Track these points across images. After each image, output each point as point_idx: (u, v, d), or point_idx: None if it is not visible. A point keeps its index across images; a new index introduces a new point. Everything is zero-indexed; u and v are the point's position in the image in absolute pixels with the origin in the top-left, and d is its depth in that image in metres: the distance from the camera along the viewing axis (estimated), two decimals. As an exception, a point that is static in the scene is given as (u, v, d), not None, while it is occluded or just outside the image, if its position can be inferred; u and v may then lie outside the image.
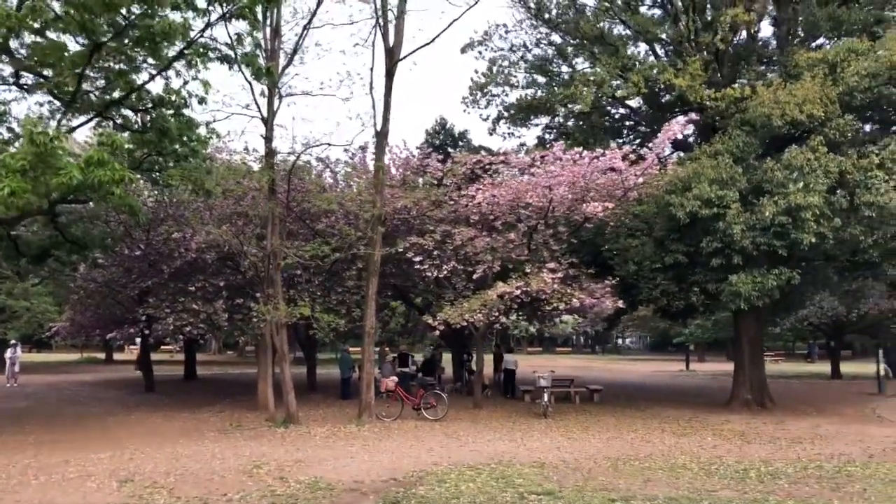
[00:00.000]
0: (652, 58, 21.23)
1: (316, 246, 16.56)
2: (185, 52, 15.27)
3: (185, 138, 19.73)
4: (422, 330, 39.06)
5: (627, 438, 15.87)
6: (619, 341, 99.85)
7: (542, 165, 17.15)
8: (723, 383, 33.52)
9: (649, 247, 17.89)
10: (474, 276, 18.69)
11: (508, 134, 24.79)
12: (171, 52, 16.04)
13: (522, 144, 21.89)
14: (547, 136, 24.28)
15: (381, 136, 18.94)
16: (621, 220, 18.66)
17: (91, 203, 22.79)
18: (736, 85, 19.85)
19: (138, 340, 39.27)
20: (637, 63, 19.69)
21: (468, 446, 14.55)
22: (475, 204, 18.36)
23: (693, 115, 17.19)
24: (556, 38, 23.05)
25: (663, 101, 21.90)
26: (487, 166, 19.59)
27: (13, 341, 33.01)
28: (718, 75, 20.12)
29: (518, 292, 16.79)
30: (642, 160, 17.39)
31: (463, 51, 23.89)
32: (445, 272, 18.94)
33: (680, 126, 17.17)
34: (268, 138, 18.10)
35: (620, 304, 18.04)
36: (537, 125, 24.91)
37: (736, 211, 16.65)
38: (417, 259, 19.15)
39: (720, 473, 11.74)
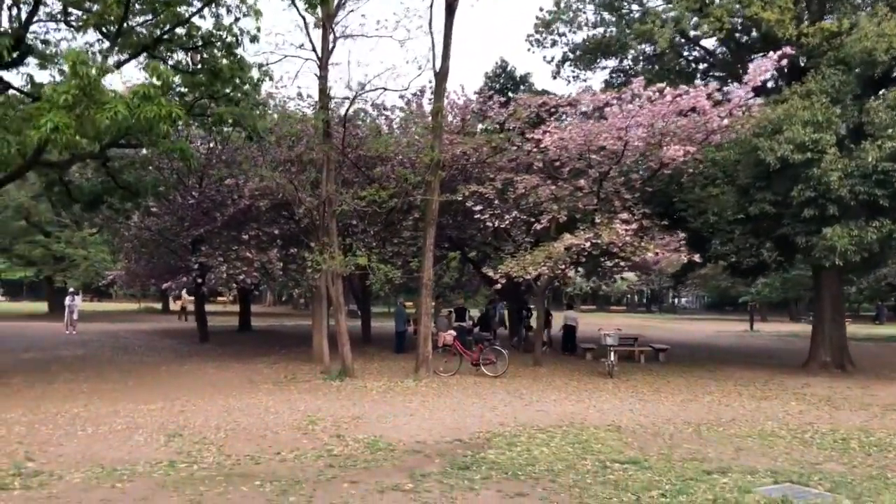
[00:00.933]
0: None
1: (373, 192, 15.64)
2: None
3: (237, 80, 19.01)
4: (476, 284, 38.20)
5: (704, 401, 14.78)
6: (675, 300, 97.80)
7: (619, 104, 15.77)
8: (791, 344, 32.08)
9: (731, 196, 16.49)
10: (537, 227, 17.59)
11: (573, 77, 23.34)
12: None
13: (588, 88, 20.42)
14: (614, 80, 22.73)
15: (440, 77, 17.85)
16: (699, 168, 17.25)
17: (143, 149, 22.44)
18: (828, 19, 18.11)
19: (184, 292, 39.51)
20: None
21: (534, 406, 13.64)
22: (541, 149, 17.13)
23: (788, 50, 15.59)
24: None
25: (743, 41, 20.24)
26: (553, 109, 18.30)
27: (71, 290, 33.17)
28: (806, 11, 18.39)
29: (587, 244, 15.67)
30: (726, 101, 15.89)
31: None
32: (507, 222, 17.88)
33: (773, 62, 15.58)
34: (322, 77, 17.14)
35: (697, 258, 16.75)
36: (604, 68, 23.42)
37: (833, 156, 15.14)
38: (477, 208, 18.12)
39: (817, 443, 10.61)
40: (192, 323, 37.91)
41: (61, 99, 11.51)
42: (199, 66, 18.86)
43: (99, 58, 14.85)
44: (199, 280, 21.32)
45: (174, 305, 47.83)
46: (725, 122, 15.38)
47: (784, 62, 15.87)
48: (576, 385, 16.76)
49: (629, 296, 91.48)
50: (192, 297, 39.98)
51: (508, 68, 23.96)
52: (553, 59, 23.05)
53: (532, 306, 30.10)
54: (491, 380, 17.23)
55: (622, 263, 22.81)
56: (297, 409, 12.56)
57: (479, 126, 21.18)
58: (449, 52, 17.96)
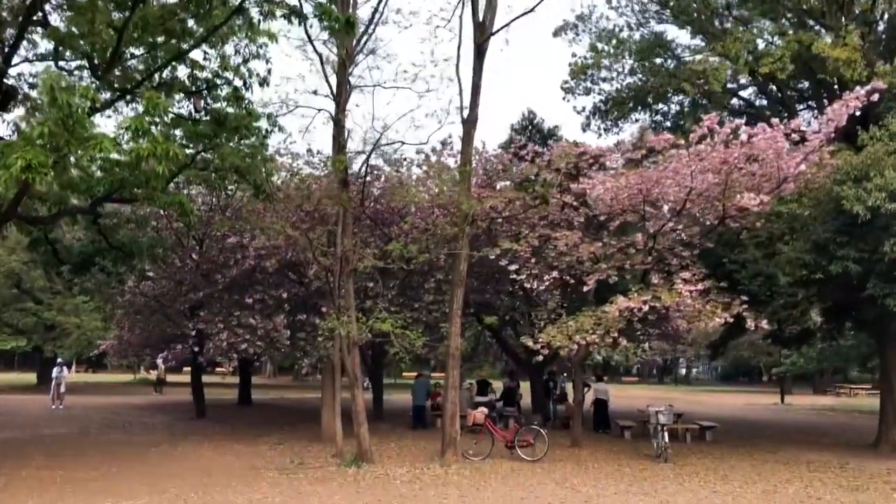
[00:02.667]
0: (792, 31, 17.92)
1: (400, 245, 13.65)
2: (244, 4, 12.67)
3: (244, 130, 17.38)
4: (492, 354, 36.02)
5: (788, 493, 12.53)
6: (689, 371, 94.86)
7: (685, 146, 13.80)
8: (834, 419, 29.71)
9: (799, 253, 14.48)
10: (584, 289, 15.58)
11: (604, 130, 21.72)
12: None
13: (620, 142, 18.69)
14: (655, 125, 21.04)
15: (469, 125, 16.13)
16: (760, 221, 15.27)
17: (137, 204, 20.62)
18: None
19: (159, 361, 37.38)
20: (773, 36, 16.41)
21: (594, 501, 11.41)
22: (583, 202, 15.16)
23: (879, 84, 13.79)
24: (666, 18, 19.97)
25: (795, 86, 18.66)
26: (593, 160, 16.47)
27: (59, 360, 30.97)
28: (878, 48, 16.80)
29: (644, 308, 13.62)
30: (803, 144, 14.00)
31: (556, 34, 21.03)
32: (546, 283, 15.87)
33: (860, 98, 13.71)
34: (337, 121, 15.38)
35: (765, 325, 14.62)
36: (636, 121, 21.81)
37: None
38: (512, 268, 16.13)
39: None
40: (170, 395, 35.72)
41: (36, 132, 9.67)
42: (202, 115, 17.23)
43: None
44: (197, 349, 19.20)
45: (148, 375, 45.66)
46: (802, 167, 13.50)
47: (858, 104, 14.02)
48: (629, 472, 14.48)
49: (638, 366, 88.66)
50: (164, 367, 38.10)
51: (536, 120, 22.41)
52: (584, 109, 21.50)
53: (556, 379, 27.98)
54: (530, 465, 14.96)
55: (651, 331, 20.78)
56: (311, 508, 10.35)
57: (504, 183, 19.38)
58: (478, 98, 16.32)
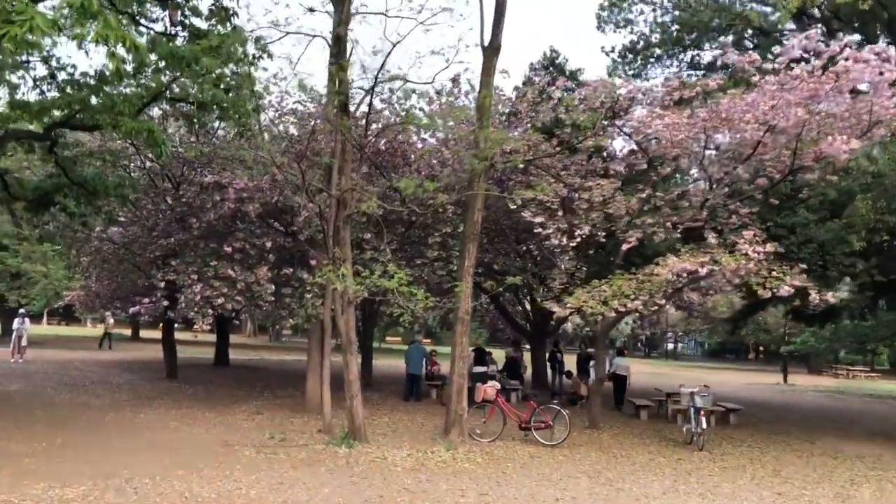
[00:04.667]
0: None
1: (414, 182, 11.26)
2: None
3: (228, 52, 15.00)
4: (491, 321, 33.91)
5: (862, 497, 10.53)
6: (676, 347, 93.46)
7: (761, 79, 11.37)
8: (849, 403, 27.97)
9: (885, 214, 12.37)
10: (624, 248, 13.33)
11: (632, 75, 19.33)
12: None
13: (668, 78, 16.25)
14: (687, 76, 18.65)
15: (491, 52, 13.83)
16: (840, 173, 13.01)
17: (103, 138, 18.27)
18: None
19: (108, 315, 35.09)
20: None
21: (641, 502, 9.34)
22: (637, 137, 12.71)
23: None
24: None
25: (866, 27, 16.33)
26: (631, 100, 14.02)
27: (21, 311, 28.53)
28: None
29: (703, 271, 11.44)
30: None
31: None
32: (577, 240, 13.61)
33: None
34: (338, 38, 12.95)
35: (830, 297, 12.41)
36: (668, 67, 19.43)
37: None
38: (537, 220, 13.86)
39: None
40: (115, 352, 33.33)
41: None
42: (178, 27, 14.85)
43: None
44: (167, 303, 16.86)
45: (95, 329, 43.43)
46: None
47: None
48: (665, 462, 12.42)
49: (623, 341, 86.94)
50: (113, 322, 36.26)
51: (558, 60, 20.00)
52: (613, 49, 19.09)
53: (559, 350, 25.96)
54: (549, 451, 12.87)
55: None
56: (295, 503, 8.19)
57: (520, 129, 17.02)
58: (502, 20, 14.01)
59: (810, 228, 14.54)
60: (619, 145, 16.12)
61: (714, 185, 12.62)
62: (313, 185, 12.38)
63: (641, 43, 18.44)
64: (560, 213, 13.89)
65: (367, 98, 13.37)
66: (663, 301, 12.27)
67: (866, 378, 48.96)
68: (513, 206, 13.92)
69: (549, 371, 24.56)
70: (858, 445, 15.89)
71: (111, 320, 37.91)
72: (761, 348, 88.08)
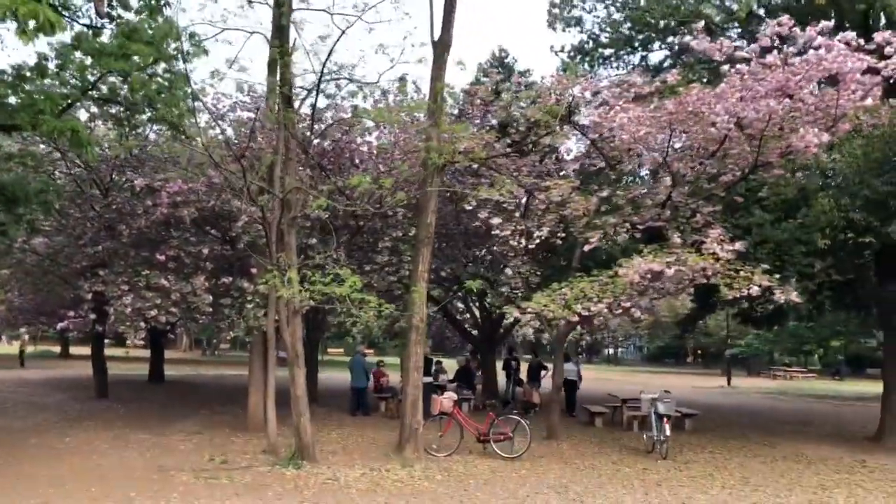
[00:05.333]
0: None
1: (365, 179, 10.38)
2: None
3: (161, 48, 14.12)
4: (438, 329, 33.18)
5: (826, 498, 10.15)
6: (617, 351, 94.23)
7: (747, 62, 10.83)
8: (794, 405, 28.11)
9: (848, 212, 12.06)
10: (585, 248, 12.75)
11: (581, 77, 18.85)
12: None
13: (629, 73, 15.76)
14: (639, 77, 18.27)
15: (442, 47, 13.12)
16: (798, 170, 12.68)
17: (26, 141, 17.08)
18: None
19: (24, 332, 33.43)
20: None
21: (617, 520, 8.74)
22: (595, 134, 12.06)
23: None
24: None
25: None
26: (591, 95, 13.46)
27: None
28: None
29: (670, 272, 10.92)
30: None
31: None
32: (538, 239, 13.00)
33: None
34: (280, 28, 12.13)
35: (795, 297, 11.98)
36: (618, 68, 19.04)
37: None
38: (495, 221, 13.22)
39: None
40: (43, 370, 31.51)
41: None
42: (107, 22, 13.92)
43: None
44: (94, 316, 15.66)
45: (9, 347, 41.58)
46: (868, 101, 10.80)
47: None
48: (631, 473, 11.88)
49: (567, 346, 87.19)
50: (28, 338, 34.93)
51: (507, 59, 19.35)
52: (563, 49, 18.63)
53: (514, 357, 25.45)
54: (510, 464, 12.20)
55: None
56: (242, 538, 7.32)
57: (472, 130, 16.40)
58: (453, 15, 13.34)
59: (765, 228, 14.24)
60: (572, 146, 15.65)
61: (676, 183, 12.13)
62: (255, 185, 11.44)
63: (591, 43, 18.03)
64: (517, 214, 13.30)
65: (312, 94, 12.55)
66: (629, 304, 11.74)
67: (803, 379, 49.81)
68: (468, 207, 13.27)
69: (504, 379, 24.08)
70: (817, 448, 15.66)
71: (26, 336, 36.69)
72: (699, 351, 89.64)
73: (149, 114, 15.58)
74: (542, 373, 22.77)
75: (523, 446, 12.76)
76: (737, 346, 44.47)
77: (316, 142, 13.85)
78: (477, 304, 24.08)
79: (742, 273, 10.97)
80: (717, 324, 51.96)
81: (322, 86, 12.86)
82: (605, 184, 13.17)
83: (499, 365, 25.75)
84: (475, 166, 13.15)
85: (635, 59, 18.96)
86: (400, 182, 13.70)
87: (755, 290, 10.87)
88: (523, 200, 13.89)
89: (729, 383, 40.35)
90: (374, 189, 10.76)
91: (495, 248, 15.76)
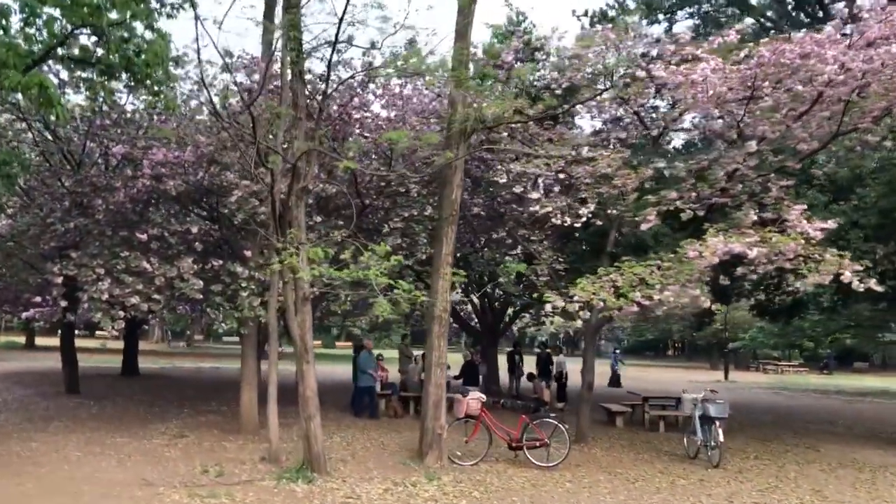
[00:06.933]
0: None
1: (403, 134, 8.63)
2: None
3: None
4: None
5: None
6: (598, 344, 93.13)
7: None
8: (800, 401, 26.91)
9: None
10: (643, 227, 11.15)
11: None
12: None
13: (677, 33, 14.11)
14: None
15: (466, 6, 11.48)
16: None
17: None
18: None
19: None
20: None
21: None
22: (689, 86, 10.29)
23: None
24: None
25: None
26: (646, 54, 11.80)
27: None
28: None
29: (752, 253, 9.37)
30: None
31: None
32: (586, 216, 11.40)
33: None
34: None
35: (875, 286, 10.43)
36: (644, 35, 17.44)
37: None
38: (534, 196, 11.61)
39: None
40: (6, 363, 29.28)
41: None
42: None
43: None
44: (65, 304, 13.79)
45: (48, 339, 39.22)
46: None
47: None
48: (688, 485, 10.36)
49: (546, 338, 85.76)
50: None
51: (525, 24, 17.62)
52: (586, 13, 16.99)
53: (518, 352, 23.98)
54: (548, 475, 10.64)
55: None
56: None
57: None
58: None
59: (817, 210, 12.80)
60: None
61: (754, 150, 10.50)
62: (264, 146, 9.65)
63: (617, 5, 16.47)
64: (556, 188, 11.73)
65: (320, 47, 10.80)
66: (697, 291, 10.21)
67: (794, 373, 48.97)
68: (501, 181, 11.65)
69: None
70: (864, 451, 14.33)
71: None
72: (678, 345, 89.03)
73: (126, 80, 13.88)
74: (552, 366, 21.46)
75: (561, 454, 11.20)
76: (741, 340, 43.28)
77: (332, 95, 12.06)
78: (478, 293, 22.47)
79: (829, 257, 9.45)
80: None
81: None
82: (655, 155, 11.60)
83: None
84: (504, 135, 11.52)
85: (659, 29, 17.43)
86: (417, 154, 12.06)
87: (847, 277, 9.37)
88: (555, 179, 12.25)
89: (726, 377, 39.20)
90: (417, 146, 9.03)
91: (521, 230, 14.16)
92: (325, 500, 8.65)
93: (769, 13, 17.53)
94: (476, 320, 24.17)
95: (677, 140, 17.04)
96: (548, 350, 21.93)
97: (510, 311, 24.26)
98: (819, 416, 21.54)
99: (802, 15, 17.52)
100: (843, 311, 21.76)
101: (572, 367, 22.16)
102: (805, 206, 10.06)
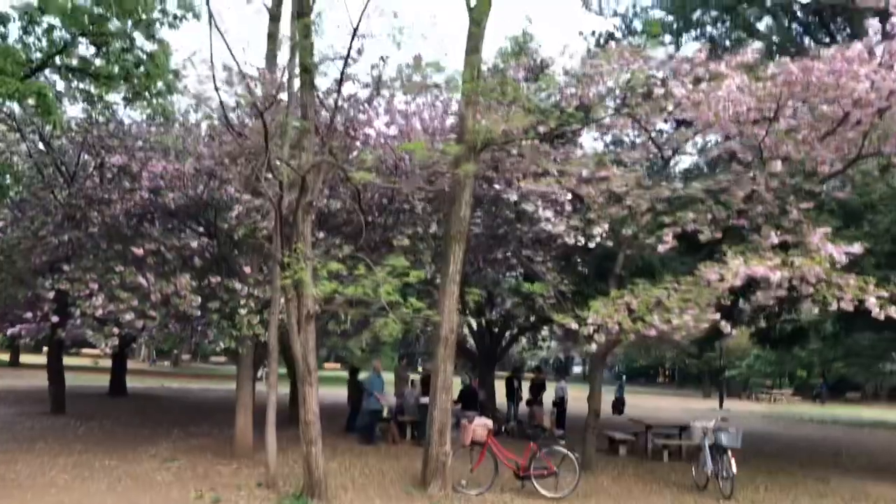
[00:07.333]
0: None
1: (420, 145, 8.29)
2: None
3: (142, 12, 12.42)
4: (423, 347, 31.11)
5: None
6: (577, 369, 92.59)
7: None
8: (801, 430, 26.52)
9: None
10: (660, 248, 10.81)
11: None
12: None
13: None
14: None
15: (478, 15, 11.22)
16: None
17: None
18: None
19: None
20: None
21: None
22: (711, 101, 9.92)
23: None
24: None
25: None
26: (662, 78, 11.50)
27: None
28: None
29: (775, 277, 9.06)
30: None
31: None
32: (600, 236, 11.08)
33: None
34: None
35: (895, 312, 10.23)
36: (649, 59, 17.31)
37: None
38: (546, 215, 11.31)
39: None
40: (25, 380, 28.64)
41: None
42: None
43: None
44: (56, 319, 13.31)
45: (35, 356, 38.40)
46: None
47: None
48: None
49: (537, 364, 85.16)
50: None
51: (530, 43, 17.41)
52: (595, 33, 16.81)
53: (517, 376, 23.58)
54: (556, 505, 10.23)
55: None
56: None
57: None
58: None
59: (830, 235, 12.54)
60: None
61: (778, 171, 10.20)
62: (274, 156, 9.27)
63: (623, 27, 16.32)
64: (569, 208, 11.42)
65: (331, 61, 10.51)
66: (717, 315, 9.88)
67: (788, 402, 48.60)
68: (513, 199, 11.34)
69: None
70: (877, 486, 13.94)
71: None
72: (667, 373, 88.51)
73: (125, 91, 13.65)
74: (543, 392, 21.24)
75: (571, 483, 10.79)
76: (737, 368, 42.89)
77: (325, 115, 11.75)
78: (476, 316, 22.07)
79: (852, 282, 9.15)
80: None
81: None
82: (665, 178, 11.33)
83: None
84: (514, 152, 11.23)
85: (663, 53, 17.30)
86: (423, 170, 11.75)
87: (872, 304, 9.07)
88: (565, 198, 11.94)
89: (721, 405, 38.80)
90: (435, 156, 8.70)
91: (524, 250, 13.85)
92: (329, 529, 8.21)
93: (774, 38, 17.44)
94: (473, 344, 23.72)
95: (683, 163, 16.85)
96: (542, 377, 21.90)
97: (507, 334, 23.85)
98: (821, 446, 21.19)
99: (808, 39, 17.48)
100: (845, 339, 21.46)
101: (573, 394, 21.95)
102: (829, 230, 9.79)
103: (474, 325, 23.11)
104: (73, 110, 26.94)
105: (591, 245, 11.18)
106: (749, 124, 10.02)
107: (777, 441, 22.11)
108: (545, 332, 27.40)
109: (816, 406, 46.12)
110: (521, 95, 10.21)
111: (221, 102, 9.31)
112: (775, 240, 9.78)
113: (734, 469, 11.37)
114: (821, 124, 9.89)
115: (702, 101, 9.71)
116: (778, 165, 10.02)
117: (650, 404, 37.95)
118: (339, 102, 10.37)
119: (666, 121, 12.58)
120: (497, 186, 13.15)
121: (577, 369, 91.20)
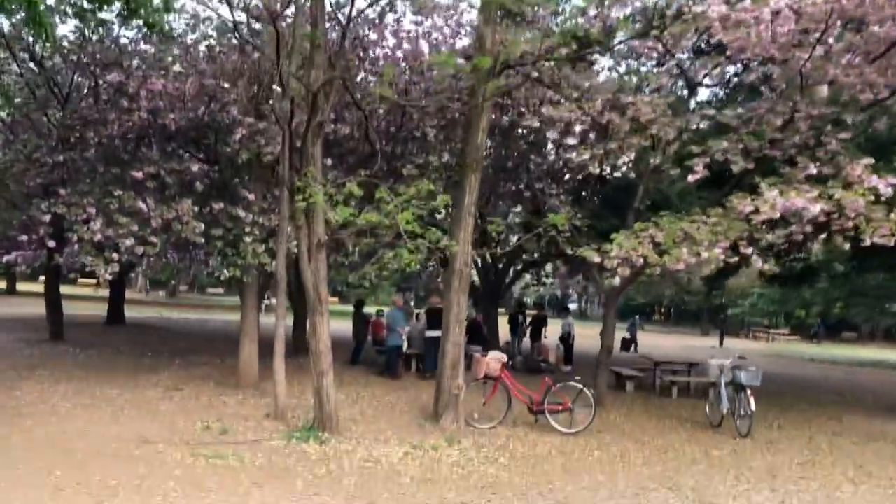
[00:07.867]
0: None
1: (452, 59, 7.73)
2: None
3: None
4: (425, 280, 30.83)
5: None
6: (573, 306, 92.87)
7: None
8: (803, 369, 26.48)
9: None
10: (690, 178, 10.28)
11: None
12: None
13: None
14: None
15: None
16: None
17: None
18: None
19: None
20: None
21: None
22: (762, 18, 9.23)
23: None
24: None
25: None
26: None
27: None
28: None
29: (814, 209, 8.61)
30: None
31: None
32: (626, 163, 10.59)
33: None
34: None
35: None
36: None
37: None
38: (570, 142, 10.77)
39: None
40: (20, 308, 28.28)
41: None
42: None
43: None
44: (53, 244, 12.85)
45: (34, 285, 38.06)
46: None
47: None
48: (725, 457, 9.72)
49: (534, 301, 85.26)
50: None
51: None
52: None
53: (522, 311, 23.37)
54: (573, 442, 9.97)
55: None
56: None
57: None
58: None
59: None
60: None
61: (825, 96, 9.63)
62: (285, 68, 8.67)
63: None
64: (592, 135, 10.87)
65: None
66: (749, 250, 9.47)
67: (786, 341, 48.77)
68: (535, 125, 10.78)
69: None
70: (890, 424, 13.79)
71: None
72: (664, 310, 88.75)
73: (118, 8, 12.86)
74: (544, 329, 21.11)
75: (586, 419, 10.53)
76: (740, 307, 42.71)
77: (333, 35, 11.08)
78: (489, 249, 21.66)
79: (893, 216, 8.70)
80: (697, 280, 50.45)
81: None
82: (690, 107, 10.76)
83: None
84: (535, 75, 10.61)
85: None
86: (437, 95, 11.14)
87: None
88: (587, 126, 11.36)
89: (721, 344, 38.83)
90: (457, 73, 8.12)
91: (537, 183, 13.35)
92: (342, 463, 7.91)
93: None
94: (477, 280, 23.38)
95: (701, 95, 16.19)
96: (543, 313, 21.99)
97: (511, 270, 23.50)
98: (824, 385, 21.12)
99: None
100: (856, 279, 21.15)
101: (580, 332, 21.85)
102: (872, 160, 9.28)
103: (478, 260, 22.71)
104: (65, 28, 25.85)
105: (618, 174, 10.72)
106: (790, 47, 9.38)
107: (781, 380, 21.97)
108: (549, 268, 27.07)
109: (813, 346, 46.28)
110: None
111: (231, 5, 8.64)
112: (813, 170, 9.30)
113: (753, 407, 11.11)
114: (871, 46, 9.29)
115: (744, 20, 9.05)
116: (824, 90, 9.47)
117: (650, 342, 37.88)
118: (353, 13, 9.68)
119: (692, 48, 11.89)
120: (505, 118, 12.60)
121: (572, 306, 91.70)
